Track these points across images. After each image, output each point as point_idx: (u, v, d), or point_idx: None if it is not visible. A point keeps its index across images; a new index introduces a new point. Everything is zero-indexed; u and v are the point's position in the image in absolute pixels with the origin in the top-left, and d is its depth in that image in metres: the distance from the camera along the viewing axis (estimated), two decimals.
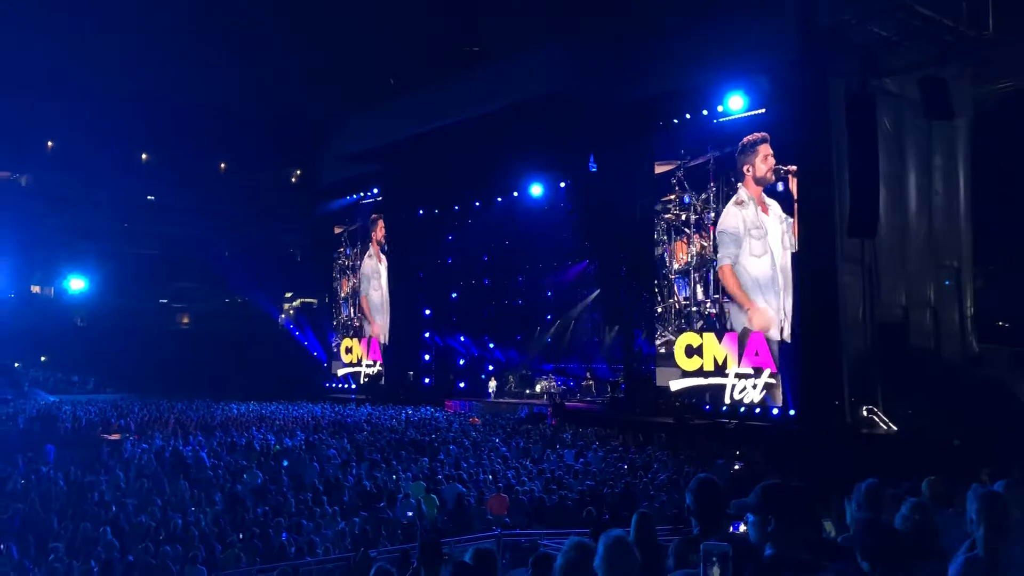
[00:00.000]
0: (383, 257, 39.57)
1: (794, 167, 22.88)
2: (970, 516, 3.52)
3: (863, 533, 3.21)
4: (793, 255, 22.74)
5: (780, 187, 23.18)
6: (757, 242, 23.69)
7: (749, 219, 23.87)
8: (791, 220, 22.79)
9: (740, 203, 24.11)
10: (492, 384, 33.51)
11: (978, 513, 3.45)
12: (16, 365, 41.54)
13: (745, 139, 23.94)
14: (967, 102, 22.96)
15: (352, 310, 41.40)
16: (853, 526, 3.55)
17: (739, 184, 24.11)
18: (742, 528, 3.37)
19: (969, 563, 3.22)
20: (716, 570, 2.65)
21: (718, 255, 24.62)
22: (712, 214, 24.86)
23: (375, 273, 40.07)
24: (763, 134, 23.67)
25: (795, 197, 22.84)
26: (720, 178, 24.64)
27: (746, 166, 23.94)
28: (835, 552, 3.34)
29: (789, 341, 22.64)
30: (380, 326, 39.51)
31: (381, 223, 39.62)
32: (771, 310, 23.18)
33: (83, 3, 29.13)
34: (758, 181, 23.67)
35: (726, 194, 24.48)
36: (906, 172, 22.50)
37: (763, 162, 23.59)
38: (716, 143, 24.66)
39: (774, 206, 23.26)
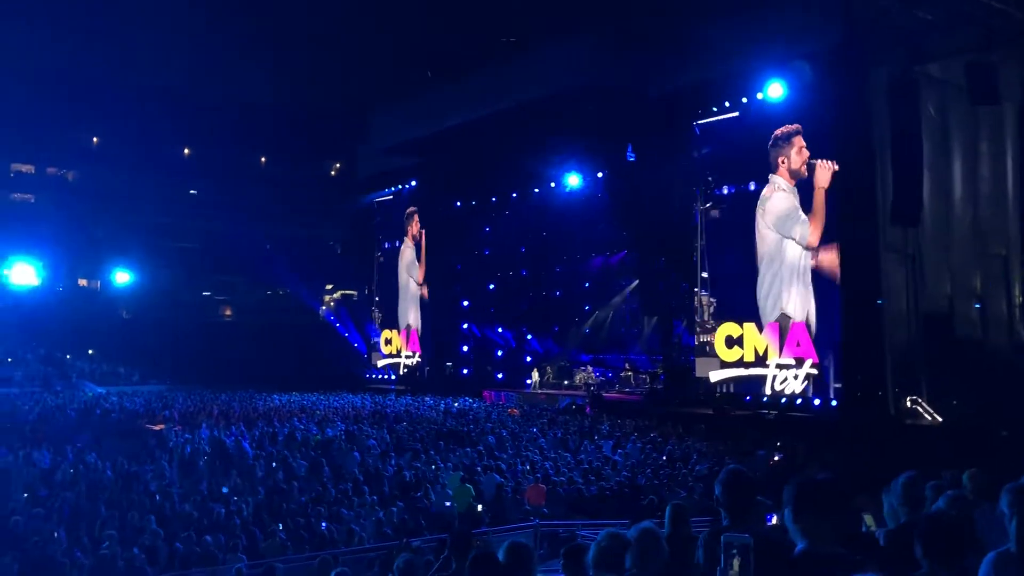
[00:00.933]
0: (418, 249, 39.77)
1: (819, 160, 22.63)
2: (1002, 509, 3.45)
3: (928, 529, 3.14)
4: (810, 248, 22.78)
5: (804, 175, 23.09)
6: (797, 227, 23.55)
7: (795, 204, 23.72)
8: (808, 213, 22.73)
9: (783, 191, 23.92)
10: (534, 375, 33.47)
11: (1010, 507, 3.37)
12: (67, 357, 42.51)
13: (779, 131, 23.71)
14: (1015, 86, 22.38)
15: (390, 301, 41.71)
16: (908, 523, 3.47)
17: (771, 175, 23.93)
18: (775, 520, 3.34)
19: (1000, 558, 3.15)
20: (736, 562, 2.61)
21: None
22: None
23: (411, 265, 40.32)
24: (796, 126, 23.48)
25: (815, 187, 22.61)
26: (755, 167, 24.44)
27: (781, 158, 23.76)
28: (872, 547, 3.29)
29: (815, 330, 22.45)
30: (414, 317, 39.76)
31: (416, 217, 39.83)
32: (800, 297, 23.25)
33: (127, 4, 29.59)
34: (792, 174, 23.56)
35: (758, 185, 24.38)
36: (951, 159, 22.03)
37: (798, 154, 23.44)
38: (755, 131, 24.37)
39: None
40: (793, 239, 23.63)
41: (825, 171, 22.78)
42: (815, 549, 2.80)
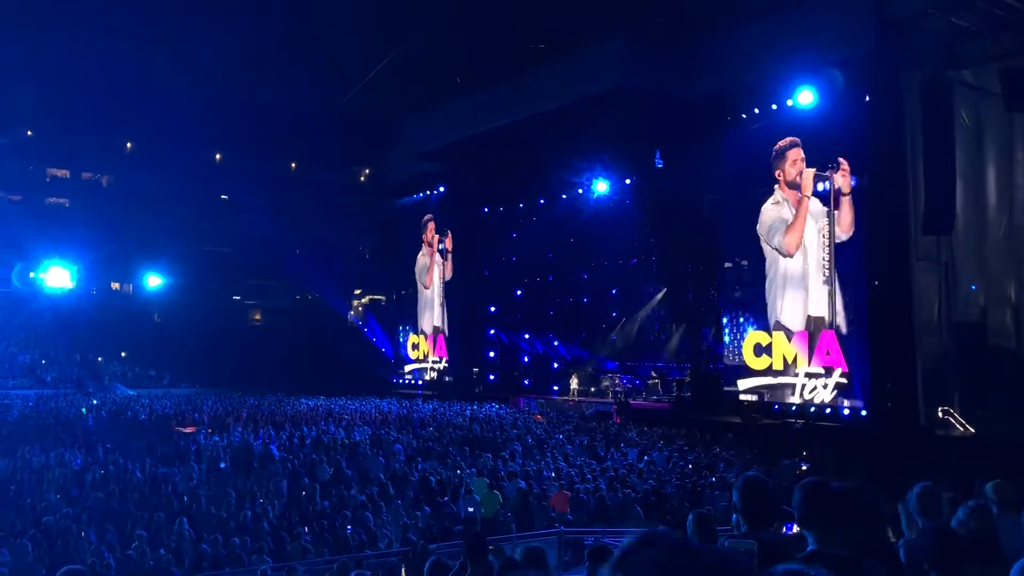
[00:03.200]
0: (442, 255, 40.01)
1: (829, 172, 22.70)
2: None
3: (930, 541, 3.16)
4: (839, 248, 22.62)
5: (821, 188, 23.15)
6: (776, 236, 24.30)
7: (783, 215, 24.28)
8: (835, 212, 22.63)
9: (776, 203, 24.44)
10: (573, 382, 33.33)
11: None
12: (99, 360, 43.14)
13: (777, 144, 24.05)
14: None
15: (418, 307, 41.96)
16: (917, 535, 3.47)
17: (775, 186, 24.26)
18: (795, 529, 3.35)
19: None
20: None
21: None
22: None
23: (422, 271, 40.90)
24: (792, 139, 23.80)
25: (841, 192, 22.54)
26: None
27: (777, 171, 24.20)
28: (883, 553, 3.28)
29: (846, 334, 22.33)
30: (441, 323, 39.98)
31: (432, 224, 40.21)
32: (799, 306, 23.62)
33: (159, 6, 30.04)
34: (789, 185, 23.94)
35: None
36: (985, 166, 21.76)
37: (792, 166, 23.83)
38: (782, 138, 24.28)
39: (814, 203, 23.33)
40: (772, 246, 24.44)
41: (808, 178, 23.36)
42: (824, 550, 2.81)
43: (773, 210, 24.58)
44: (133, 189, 46.64)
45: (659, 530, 3.26)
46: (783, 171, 24.10)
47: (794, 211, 23.92)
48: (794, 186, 23.73)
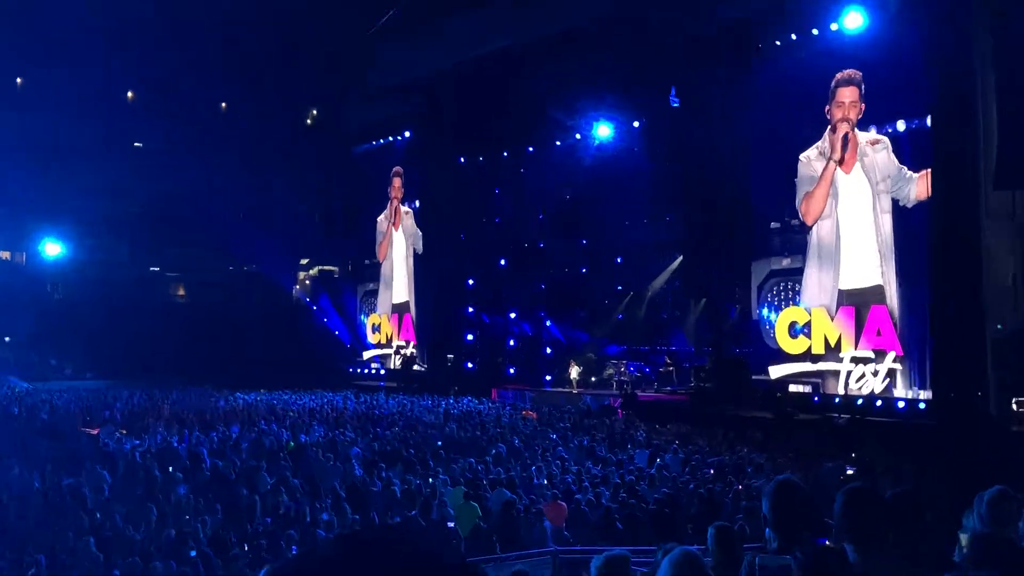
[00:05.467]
0: (405, 216, 39.92)
1: (894, 126, 22.78)
2: None
3: (981, 549, 3.21)
4: (897, 215, 22.83)
5: (877, 133, 23.28)
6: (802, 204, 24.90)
7: (812, 171, 24.73)
8: (906, 171, 22.75)
9: (816, 155, 24.75)
10: (571, 371, 33.37)
11: None
12: None
13: (838, 75, 23.98)
14: None
15: (379, 280, 41.95)
16: (969, 542, 3.53)
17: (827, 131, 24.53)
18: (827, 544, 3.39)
19: None
20: None
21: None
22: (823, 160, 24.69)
23: (391, 236, 40.78)
24: (850, 73, 23.83)
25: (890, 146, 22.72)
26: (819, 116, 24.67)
27: (827, 110, 24.27)
28: (946, 568, 3.33)
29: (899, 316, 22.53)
30: (407, 299, 40.02)
31: (399, 180, 40.01)
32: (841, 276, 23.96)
33: None
34: (831, 131, 24.16)
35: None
36: None
37: (837, 110, 24.05)
38: (826, 71, 24.26)
39: (874, 155, 23.41)
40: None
41: (837, 138, 24.00)
42: (867, 572, 2.84)
43: (805, 165, 24.94)
44: (23, 134, 45.99)
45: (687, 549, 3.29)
46: (831, 114, 24.26)
47: (823, 165, 24.43)
48: (844, 130, 23.90)
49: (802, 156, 25.02)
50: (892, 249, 22.97)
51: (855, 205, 23.89)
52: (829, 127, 24.31)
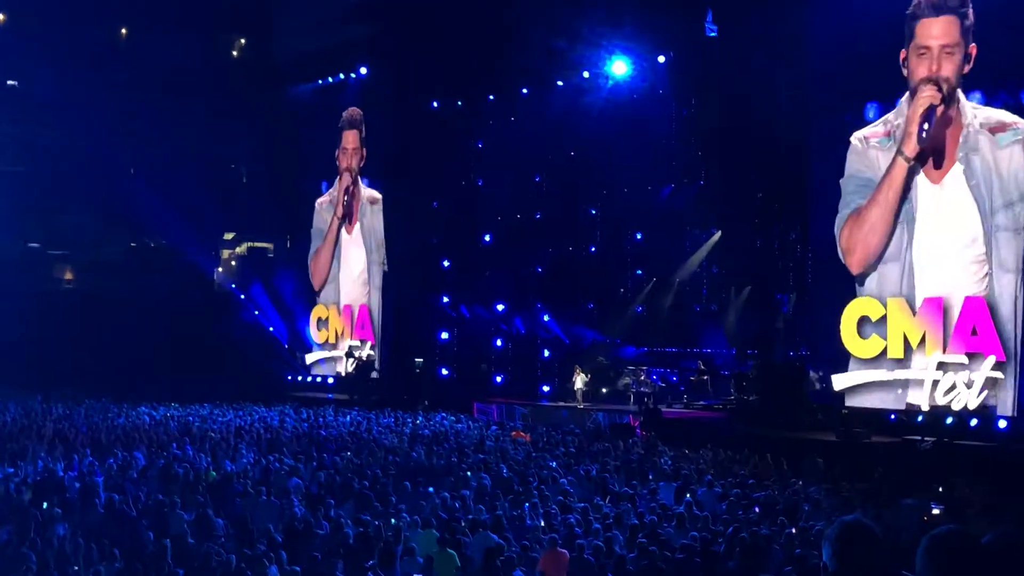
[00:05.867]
0: (360, 179, 39.92)
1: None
2: None
3: None
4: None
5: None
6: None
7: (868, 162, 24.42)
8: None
9: (872, 134, 24.55)
10: (576, 380, 33.31)
11: None
12: None
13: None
14: None
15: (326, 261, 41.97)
16: None
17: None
18: None
19: None
20: None
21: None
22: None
23: (345, 204, 40.77)
24: None
25: None
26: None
27: (902, 54, 23.79)
28: None
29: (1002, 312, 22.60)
30: (363, 287, 40.02)
31: (355, 134, 39.90)
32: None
33: None
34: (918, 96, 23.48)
35: None
36: None
37: (918, 58, 23.42)
38: None
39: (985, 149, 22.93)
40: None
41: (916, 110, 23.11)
42: None
43: (859, 156, 24.56)
44: None
45: None
46: (909, 66, 23.69)
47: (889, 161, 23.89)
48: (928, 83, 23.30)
49: (856, 137, 24.65)
50: (995, 226, 22.91)
51: (947, 234, 23.58)
52: (908, 92, 23.90)
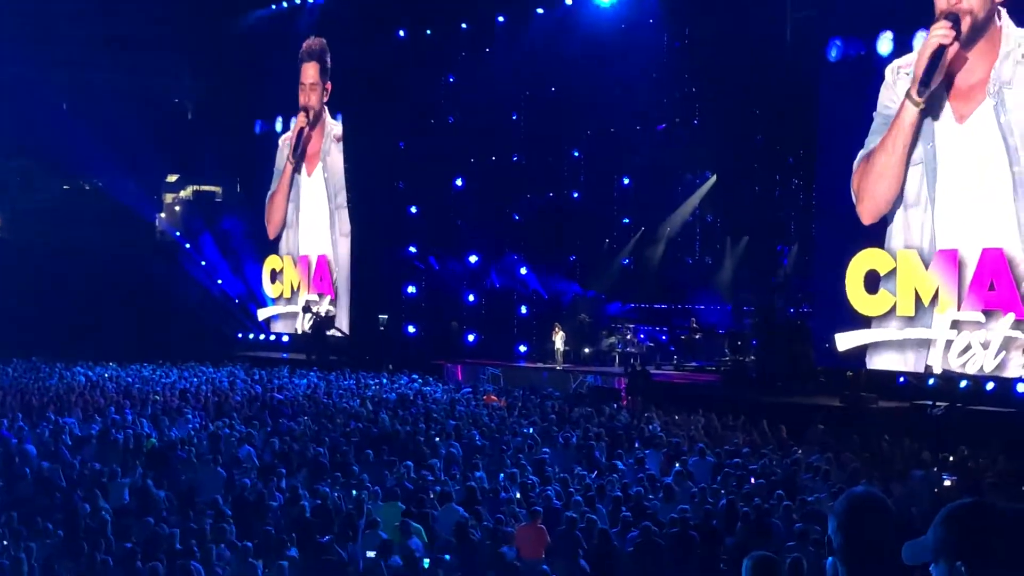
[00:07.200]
0: (321, 117, 39.72)
1: None
2: None
3: None
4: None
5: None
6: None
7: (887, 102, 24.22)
8: None
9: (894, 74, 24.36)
10: (555, 338, 33.36)
11: None
12: None
13: None
14: None
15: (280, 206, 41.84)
16: None
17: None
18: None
19: None
20: None
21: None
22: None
23: (302, 144, 40.49)
24: None
25: None
26: None
27: None
28: None
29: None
30: (323, 236, 39.91)
31: (315, 67, 39.63)
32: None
33: None
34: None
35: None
36: None
37: None
38: None
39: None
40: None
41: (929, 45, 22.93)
42: None
43: (888, 89, 24.46)
44: None
45: None
46: None
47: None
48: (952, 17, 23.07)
49: (890, 67, 24.51)
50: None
51: (969, 179, 23.50)
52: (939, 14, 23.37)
